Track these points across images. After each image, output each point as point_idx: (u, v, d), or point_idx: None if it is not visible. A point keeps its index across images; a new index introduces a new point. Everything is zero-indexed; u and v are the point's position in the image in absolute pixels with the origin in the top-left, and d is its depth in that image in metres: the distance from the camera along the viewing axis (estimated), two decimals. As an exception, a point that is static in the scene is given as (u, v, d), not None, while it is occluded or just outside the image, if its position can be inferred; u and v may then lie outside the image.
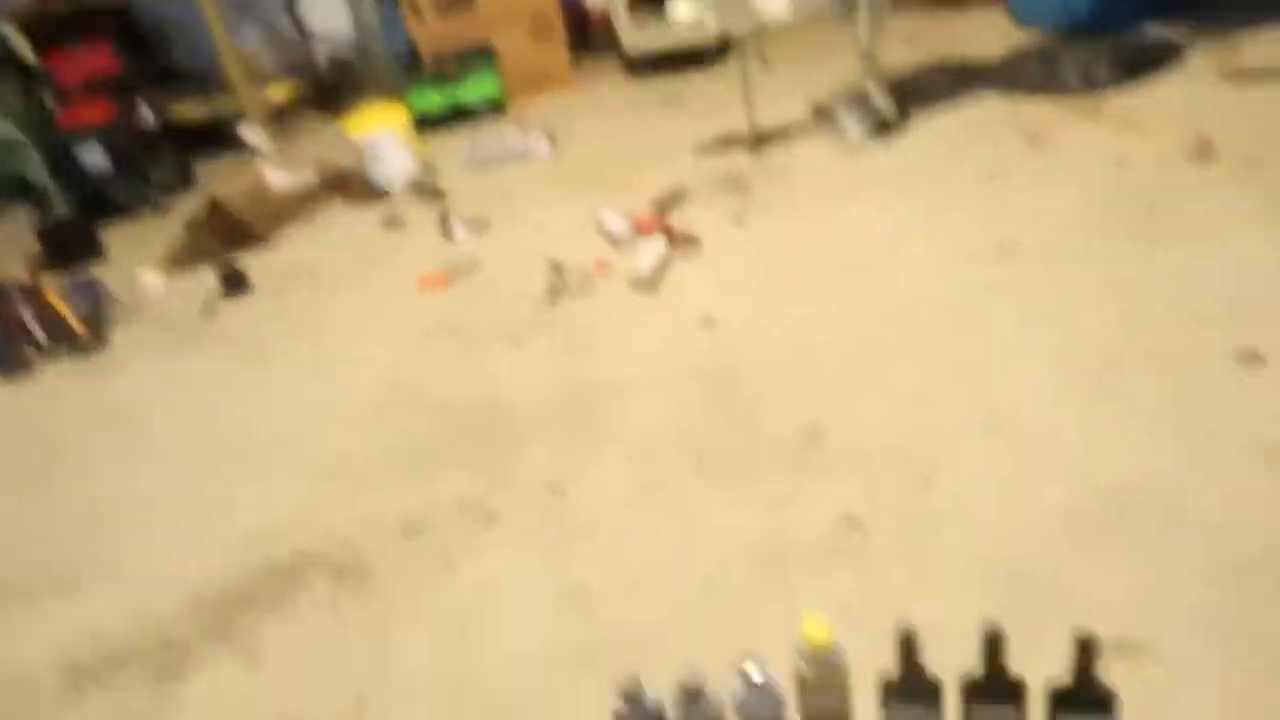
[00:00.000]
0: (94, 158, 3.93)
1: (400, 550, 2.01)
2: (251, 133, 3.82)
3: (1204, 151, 2.67)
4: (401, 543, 2.02)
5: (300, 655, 1.80)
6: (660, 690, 1.31)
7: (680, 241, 2.83)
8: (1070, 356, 2.07)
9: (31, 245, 3.74)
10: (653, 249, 2.76)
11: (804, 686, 1.27)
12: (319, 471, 2.29)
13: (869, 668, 1.28)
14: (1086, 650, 1.16)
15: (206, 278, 3.30)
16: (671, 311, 2.59)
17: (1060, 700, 1.21)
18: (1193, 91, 3.01)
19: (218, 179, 3.82)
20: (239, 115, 3.99)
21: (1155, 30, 3.37)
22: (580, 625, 1.72)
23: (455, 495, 2.10)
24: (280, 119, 4.26)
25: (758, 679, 1.28)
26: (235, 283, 3.26)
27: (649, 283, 2.68)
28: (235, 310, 3.19)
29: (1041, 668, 1.20)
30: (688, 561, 1.81)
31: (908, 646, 1.23)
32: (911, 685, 1.27)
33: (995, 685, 1.25)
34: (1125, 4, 3.48)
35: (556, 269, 2.83)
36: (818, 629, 1.24)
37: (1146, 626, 1.47)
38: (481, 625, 1.77)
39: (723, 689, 1.31)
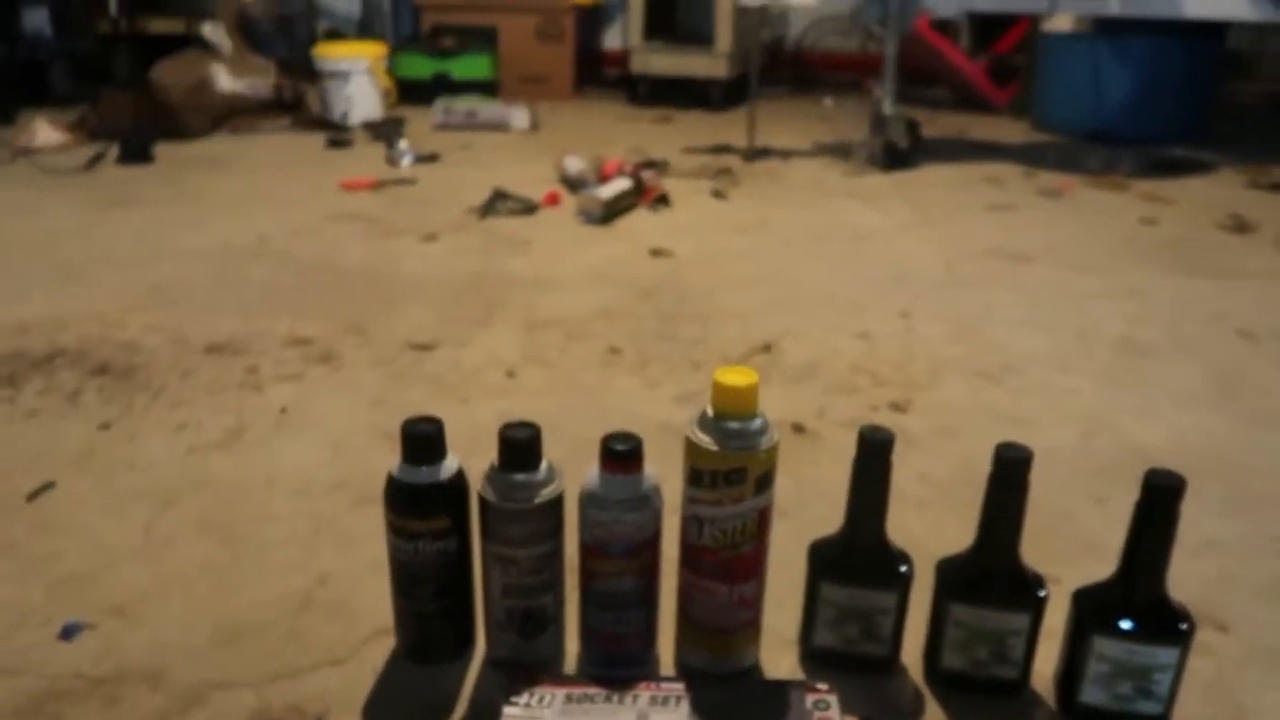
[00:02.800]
0: (39, 23, 3.56)
1: (193, 361, 1.50)
2: (213, 31, 3.48)
3: (1241, 226, 2.37)
4: (199, 356, 1.52)
5: None
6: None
7: (648, 191, 2.46)
8: (1088, 338, 1.67)
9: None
10: (616, 184, 2.38)
11: (696, 461, 0.78)
12: (140, 289, 1.80)
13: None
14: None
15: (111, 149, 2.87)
16: (621, 242, 2.18)
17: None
18: (1222, 191, 2.75)
19: (167, 70, 3.44)
20: (207, 17, 3.66)
21: (1181, 150, 3.18)
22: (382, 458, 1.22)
23: (291, 334, 1.61)
24: (248, 29, 3.91)
25: (622, 445, 0.80)
26: (136, 153, 2.82)
27: (603, 208, 2.28)
28: (123, 172, 2.74)
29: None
30: (570, 427, 1.33)
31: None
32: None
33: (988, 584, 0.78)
34: (1154, 123, 3.33)
35: (499, 193, 2.43)
36: (736, 374, 0.78)
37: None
38: (270, 441, 1.26)
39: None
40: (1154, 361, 1.58)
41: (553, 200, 2.44)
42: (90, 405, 1.35)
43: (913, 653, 0.88)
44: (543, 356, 1.56)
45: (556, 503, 0.81)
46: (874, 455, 0.79)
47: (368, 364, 1.51)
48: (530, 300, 1.80)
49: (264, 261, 1.99)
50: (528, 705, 0.76)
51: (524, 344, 1.60)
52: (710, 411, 0.77)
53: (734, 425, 0.76)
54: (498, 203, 2.40)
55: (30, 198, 2.45)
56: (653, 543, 0.82)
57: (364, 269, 1.97)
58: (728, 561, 0.80)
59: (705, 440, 0.76)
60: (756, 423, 0.77)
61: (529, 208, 2.39)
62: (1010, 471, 0.77)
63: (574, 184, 2.54)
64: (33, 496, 1.12)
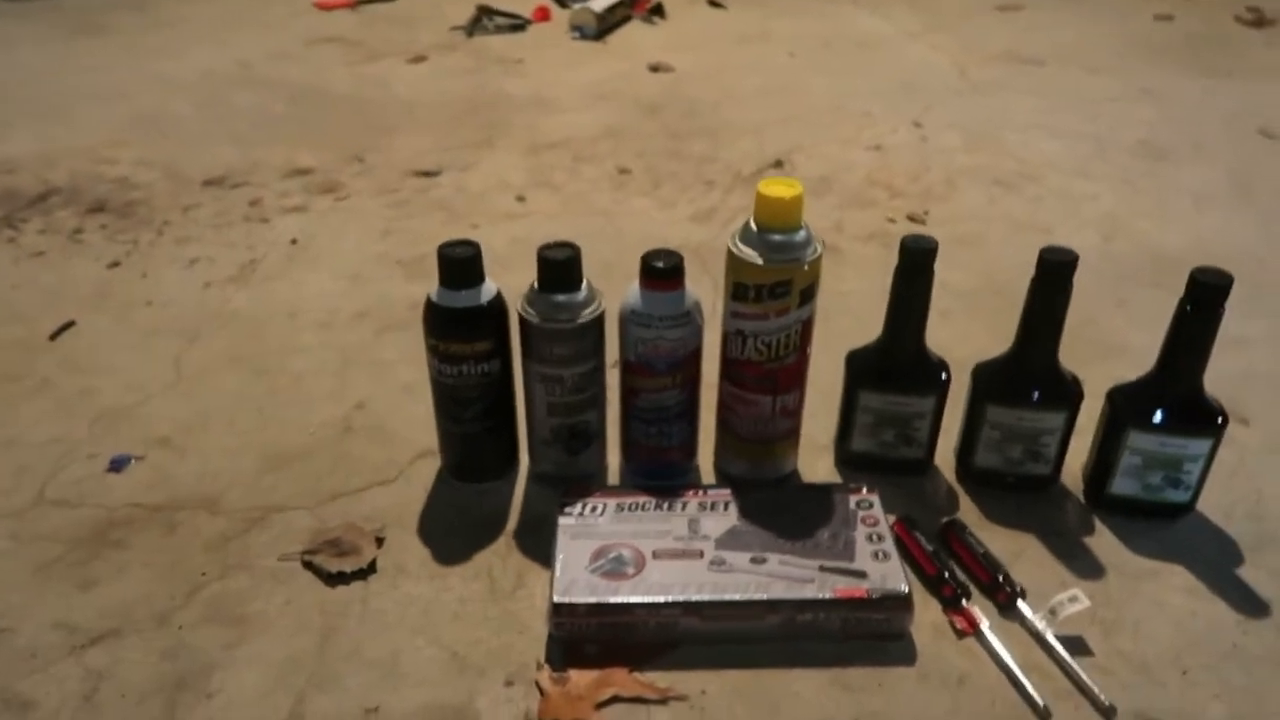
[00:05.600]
0: None
1: (192, 196, 1.46)
2: None
3: (1260, 20, 2.29)
4: (198, 190, 1.48)
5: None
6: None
7: (641, 1, 2.34)
8: (1105, 144, 1.64)
9: None
10: (609, -4, 2.26)
11: (740, 275, 0.78)
12: (125, 123, 1.72)
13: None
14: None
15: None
16: (619, 58, 2.10)
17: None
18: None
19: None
20: None
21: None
22: (399, 286, 1.21)
23: (289, 164, 1.56)
24: None
25: (663, 263, 0.79)
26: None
27: (597, 22, 2.18)
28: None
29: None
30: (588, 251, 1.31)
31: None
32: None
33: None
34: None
35: (484, 9, 2.31)
36: (780, 184, 0.76)
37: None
38: (285, 273, 1.24)
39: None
40: (1172, 164, 1.56)
41: (543, 15, 2.32)
42: (95, 243, 1.32)
43: (943, 454, 0.90)
44: (550, 180, 1.52)
45: (598, 321, 0.81)
46: (916, 264, 0.79)
47: (372, 192, 1.47)
48: (531, 122, 1.74)
49: (249, 89, 1.90)
50: (580, 515, 0.79)
51: (530, 167, 1.56)
52: (753, 224, 0.76)
53: (778, 238, 0.75)
54: (484, 19, 2.28)
55: (-11, 28, 2.31)
56: (694, 357, 0.82)
57: (354, 94, 1.89)
58: (771, 373, 0.80)
59: (749, 254, 0.75)
60: (801, 234, 0.76)
61: (518, 24, 2.28)
62: (1055, 274, 0.77)
63: (563, -4, 2.41)
64: (55, 335, 1.11)
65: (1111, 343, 1.09)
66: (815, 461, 0.92)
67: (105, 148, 1.62)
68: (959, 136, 1.66)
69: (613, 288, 0.83)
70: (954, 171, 1.53)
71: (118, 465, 0.91)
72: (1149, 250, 1.30)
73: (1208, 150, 1.61)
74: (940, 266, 0.81)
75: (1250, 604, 0.76)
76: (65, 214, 1.40)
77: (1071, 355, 0.87)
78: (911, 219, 1.39)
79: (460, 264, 0.79)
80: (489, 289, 0.81)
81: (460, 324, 0.80)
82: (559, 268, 0.79)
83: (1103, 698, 0.67)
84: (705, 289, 1.03)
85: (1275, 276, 1.24)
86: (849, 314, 1.11)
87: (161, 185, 1.49)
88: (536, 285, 0.80)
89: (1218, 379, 0.82)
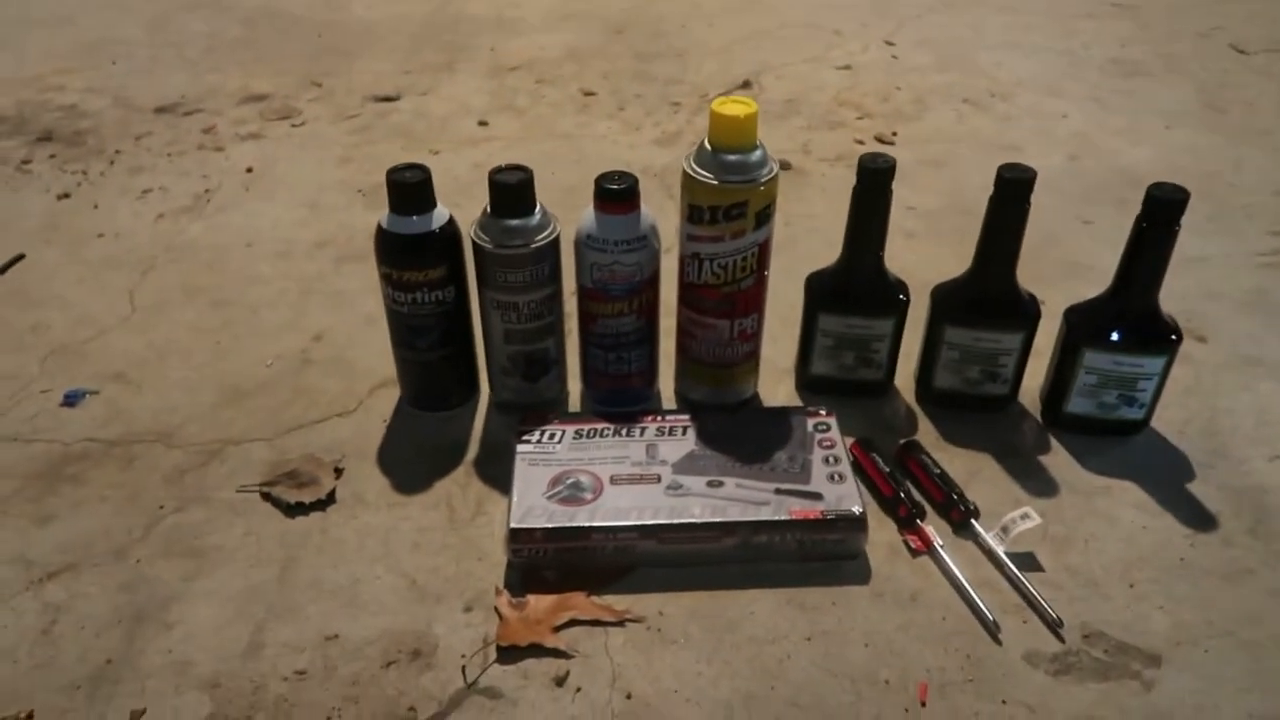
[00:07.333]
0: None
1: (144, 124, 1.42)
2: None
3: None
4: (150, 118, 1.44)
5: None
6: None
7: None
8: (1077, 60, 1.62)
9: None
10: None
11: (695, 197, 0.77)
12: (72, 48, 1.66)
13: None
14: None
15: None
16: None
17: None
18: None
19: None
20: None
21: None
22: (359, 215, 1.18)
23: (244, 90, 1.52)
24: None
25: (616, 184, 0.77)
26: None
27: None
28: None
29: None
30: (551, 176, 1.29)
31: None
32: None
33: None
34: None
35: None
36: (734, 103, 0.74)
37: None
38: (241, 203, 1.21)
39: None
40: (1144, 81, 1.54)
41: (506, -69, 2.24)
42: (44, 174, 1.28)
43: (904, 376, 0.91)
44: (514, 103, 1.49)
45: (553, 246, 0.79)
46: (874, 183, 0.78)
47: (330, 118, 1.44)
48: (493, 43, 1.70)
49: (201, 12, 1.84)
50: (539, 442, 0.79)
51: (492, 90, 1.53)
52: (708, 144, 0.74)
53: (733, 158, 0.73)
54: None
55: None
56: (652, 282, 0.81)
57: (310, 16, 1.83)
58: (729, 297, 0.80)
59: (704, 175, 0.74)
60: (756, 154, 0.74)
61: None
62: (1012, 192, 0.76)
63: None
64: (3, 269, 1.08)
65: (1076, 262, 1.09)
66: (776, 386, 0.92)
67: (53, 75, 1.56)
68: (930, 54, 1.63)
69: (575, 214, 0.81)
70: (924, 91, 1.51)
71: (72, 400, 0.90)
72: (1117, 169, 1.29)
73: (1180, 66, 1.59)
74: (907, 188, 0.80)
75: (1199, 518, 0.77)
76: (12, 144, 1.36)
77: (1036, 274, 0.87)
78: (880, 140, 1.37)
79: (410, 188, 0.77)
80: (441, 214, 0.79)
81: (412, 251, 0.79)
82: (511, 191, 0.77)
83: (1051, 611, 0.69)
84: (670, 214, 1.02)
85: (1240, 195, 1.24)
86: (816, 236, 1.11)
87: (112, 113, 1.45)
88: (489, 210, 0.78)
89: (1178, 297, 0.82)
